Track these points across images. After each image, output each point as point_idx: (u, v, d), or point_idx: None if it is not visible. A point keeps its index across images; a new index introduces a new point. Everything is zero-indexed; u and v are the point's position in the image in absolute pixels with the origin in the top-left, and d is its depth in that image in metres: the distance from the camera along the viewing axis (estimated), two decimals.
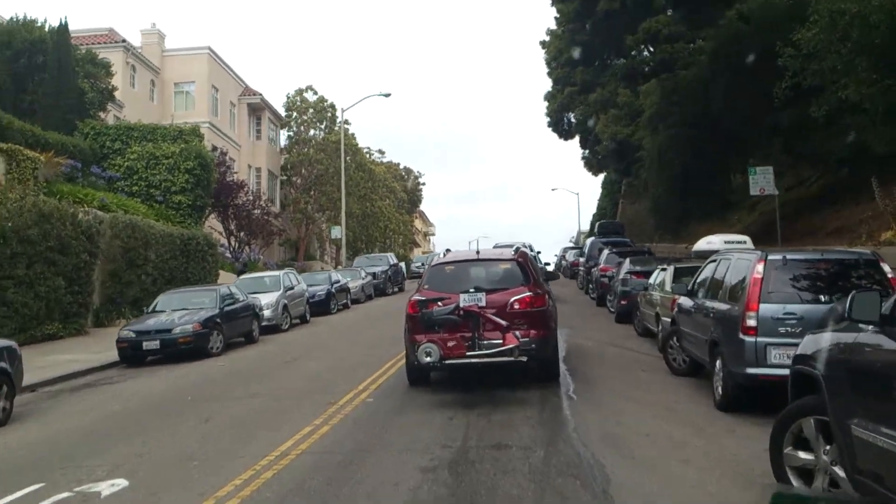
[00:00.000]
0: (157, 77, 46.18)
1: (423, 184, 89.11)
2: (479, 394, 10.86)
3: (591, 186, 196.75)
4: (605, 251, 25.35)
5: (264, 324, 22.60)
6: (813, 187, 23.54)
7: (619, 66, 35.48)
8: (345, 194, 48.37)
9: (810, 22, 14.43)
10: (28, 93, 32.71)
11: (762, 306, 8.56)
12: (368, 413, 10.42)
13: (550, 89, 39.66)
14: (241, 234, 41.92)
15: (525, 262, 12.04)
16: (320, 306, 28.17)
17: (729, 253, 10.50)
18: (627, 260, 20.78)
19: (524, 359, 10.32)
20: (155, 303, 20.28)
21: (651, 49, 33.64)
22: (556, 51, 38.21)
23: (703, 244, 15.21)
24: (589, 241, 31.49)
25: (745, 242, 13.95)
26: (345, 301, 31.60)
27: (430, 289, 11.54)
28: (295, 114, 55.62)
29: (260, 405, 11.43)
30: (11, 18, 34.66)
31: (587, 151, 40.66)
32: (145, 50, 45.69)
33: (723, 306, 9.48)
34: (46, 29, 33.96)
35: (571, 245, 56.06)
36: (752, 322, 8.56)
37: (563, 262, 41.72)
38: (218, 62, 48.63)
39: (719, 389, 9.42)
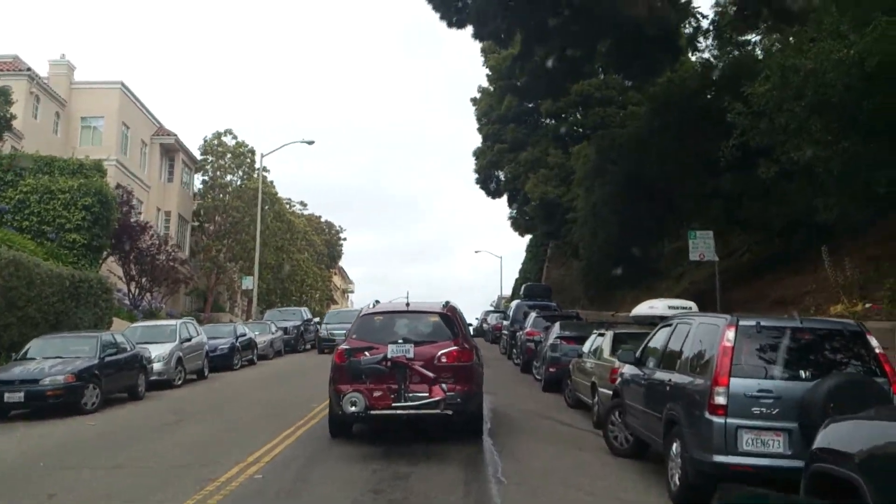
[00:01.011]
0: (62, 109, 43.48)
1: (344, 238, 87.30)
2: (395, 480, 9.13)
3: (515, 250, 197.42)
4: (532, 314, 23.98)
5: (154, 378, 20.27)
6: (745, 256, 22.78)
7: (550, 126, 34.88)
8: (259, 244, 46.09)
9: (762, 78, 13.51)
10: None
11: (733, 381, 7.13)
12: (253, 493, 8.56)
13: (480, 145, 38.72)
14: (143, 279, 39.14)
15: (454, 316, 11.98)
16: (222, 361, 25.90)
17: (688, 317, 9.08)
18: (557, 324, 19.38)
19: (450, 412, 10.32)
20: (26, 348, 17.81)
21: (582, 112, 33.11)
22: (487, 107, 37.46)
23: (643, 309, 13.88)
24: (514, 303, 30.18)
25: (690, 308, 12.67)
26: (250, 356, 29.32)
27: (358, 338, 11.46)
28: (211, 157, 53.24)
29: (120, 480, 9.38)
30: None
31: (515, 211, 39.73)
32: (52, 81, 43.08)
33: (682, 379, 8.01)
34: None
35: (492, 309, 54.90)
36: (721, 399, 7.14)
37: (485, 325, 40.41)
38: (130, 98, 46.25)
39: (676, 478, 7.88)
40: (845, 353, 7.42)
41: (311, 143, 44.13)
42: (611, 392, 11.94)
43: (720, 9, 24.08)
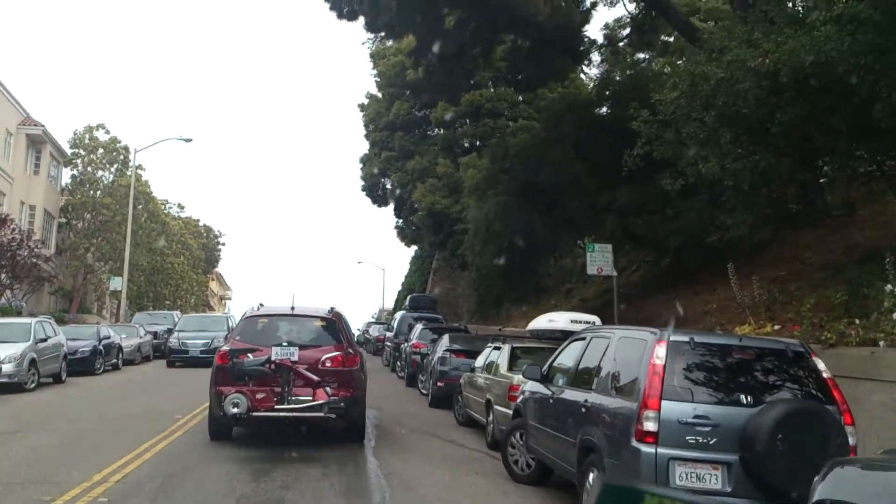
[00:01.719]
0: None
1: (223, 244, 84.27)
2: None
3: (398, 263, 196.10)
4: (418, 326, 23.07)
5: (3, 381, 18.34)
6: (637, 274, 22.59)
7: (440, 136, 34.20)
8: (130, 243, 43.41)
9: (670, 85, 13.07)
10: None
11: (665, 404, 6.32)
12: None
13: (367, 152, 37.62)
14: (1, 275, 35.97)
15: (339, 321, 12.03)
16: (82, 365, 23.79)
17: (605, 330, 8.32)
18: (446, 337, 18.52)
19: (333, 416, 10.41)
20: None
21: (472, 123, 32.59)
22: (376, 113, 36.47)
23: (542, 322, 13.15)
24: (398, 314, 29.21)
25: (594, 323, 12.02)
26: (115, 360, 27.15)
27: (241, 340, 11.33)
28: (82, 152, 49.97)
29: None
30: None
31: (401, 221, 38.77)
32: None
33: (602, 400, 7.19)
34: None
35: (374, 320, 53.71)
36: (651, 425, 6.27)
37: (367, 336, 39.37)
38: None
39: None
40: (789, 376, 6.74)
41: (188, 140, 41.94)
42: (510, 411, 11.16)
43: (609, 31, 24.06)
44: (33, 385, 19.43)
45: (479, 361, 14.12)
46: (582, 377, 8.00)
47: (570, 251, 23.95)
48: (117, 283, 43.66)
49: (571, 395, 7.93)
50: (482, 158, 29.59)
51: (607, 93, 19.05)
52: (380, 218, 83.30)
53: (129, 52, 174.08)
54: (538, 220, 18.82)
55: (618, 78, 18.02)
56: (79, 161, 50.36)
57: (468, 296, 34.79)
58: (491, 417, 11.97)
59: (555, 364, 9.02)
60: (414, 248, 51.08)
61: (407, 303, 30.26)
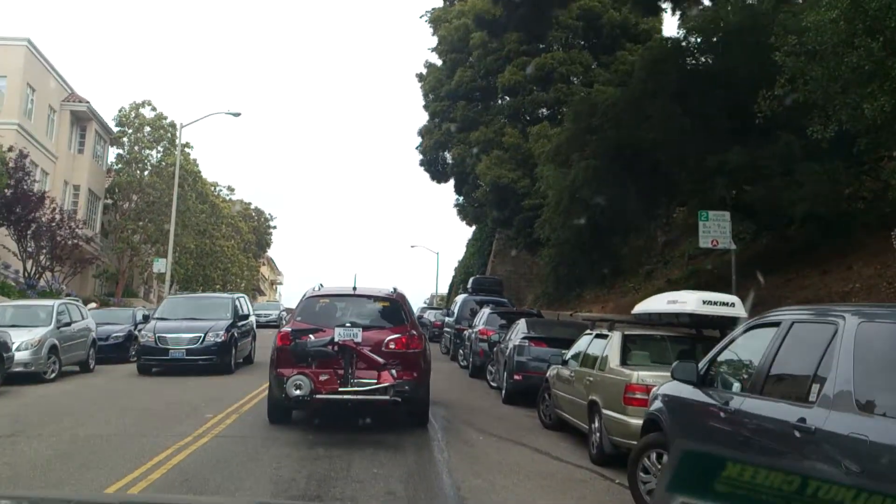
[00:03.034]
0: None
1: (274, 227, 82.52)
2: None
3: (453, 247, 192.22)
4: (485, 311, 20.43)
5: (18, 370, 16.22)
6: (747, 250, 19.59)
7: (506, 104, 31.40)
8: (174, 223, 41.51)
9: (826, 4, 10.22)
10: None
11: None
12: None
13: (426, 123, 34.93)
14: (42, 257, 34.37)
15: (403, 302, 11.76)
16: (115, 351, 21.76)
17: (817, 314, 5.51)
18: (522, 322, 15.87)
19: (399, 399, 10.08)
20: None
21: (542, 89, 29.75)
22: (436, 82, 33.79)
23: (656, 304, 10.36)
24: (459, 297, 26.58)
25: (733, 305, 9.26)
26: None
27: (302, 321, 11.14)
28: (129, 130, 48.34)
29: None
30: None
31: (462, 198, 36.06)
32: None
33: (850, 423, 4.39)
34: None
35: (426, 306, 51.18)
36: None
37: (422, 321, 36.83)
38: (38, 58, 41.19)
39: None
40: None
41: (237, 114, 39.70)
42: (626, 418, 8.51)
43: None
44: (53, 375, 17.36)
45: (574, 351, 11.45)
46: (783, 384, 5.31)
47: (666, 224, 21.13)
48: (161, 265, 41.88)
49: (766, 408, 5.21)
50: (555, 127, 26.88)
51: (714, 39, 16.12)
52: (437, 197, 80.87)
53: (175, 26, 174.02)
54: (632, 187, 16.07)
55: (730, 16, 15.07)
56: (125, 139, 48.88)
57: (535, 277, 32.09)
58: (597, 424, 9.30)
59: (720, 361, 6.33)
60: (472, 229, 48.50)
61: (469, 285, 27.61)
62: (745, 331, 6.14)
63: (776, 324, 5.58)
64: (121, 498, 6.36)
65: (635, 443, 8.12)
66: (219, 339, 18.55)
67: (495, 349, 17.19)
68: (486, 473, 8.66)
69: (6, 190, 30.06)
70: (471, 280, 28.33)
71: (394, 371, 10.21)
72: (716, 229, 13.84)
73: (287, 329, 11.05)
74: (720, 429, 5.71)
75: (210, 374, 17.53)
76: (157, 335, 18.64)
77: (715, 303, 9.21)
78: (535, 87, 29.78)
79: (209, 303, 21.74)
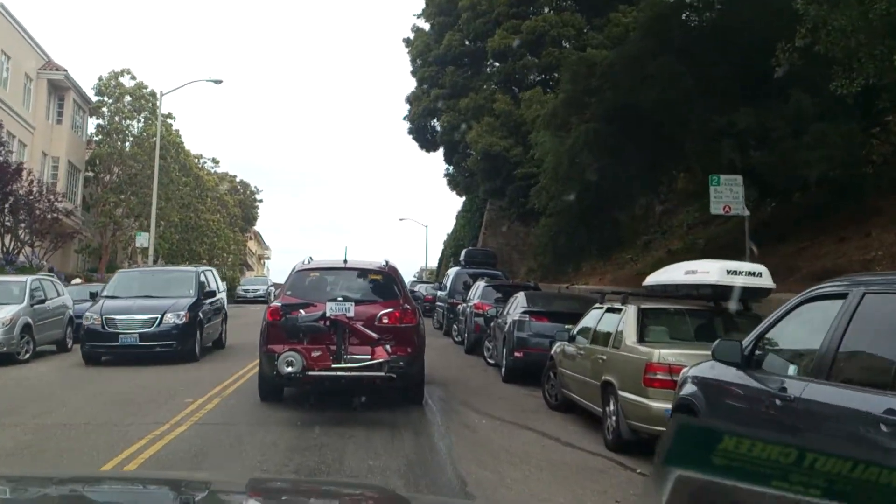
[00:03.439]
0: None
1: (261, 200, 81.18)
2: None
3: (442, 220, 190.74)
4: (479, 284, 19.60)
5: None
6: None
7: (496, 69, 30.35)
8: (156, 195, 40.45)
9: None
10: None
11: None
12: None
13: (414, 90, 33.80)
14: (21, 231, 33.22)
15: (395, 274, 11.50)
16: None
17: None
18: (521, 295, 15.06)
19: (393, 375, 9.76)
20: None
21: (533, 54, 28.73)
22: (424, 46, 32.62)
23: (672, 275, 9.51)
24: (452, 270, 25.71)
25: (760, 275, 8.46)
26: None
27: (292, 295, 10.77)
28: (108, 99, 46.94)
29: None
30: None
31: (452, 167, 35.07)
32: None
33: None
34: None
35: (416, 279, 50.32)
36: None
37: (413, 295, 35.97)
38: (12, 23, 39.75)
39: None
40: None
41: (218, 81, 38.55)
42: (646, 400, 7.74)
43: None
44: (28, 355, 16.47)
45: (583, 325, 10.65)
46: (857, 367, 4.52)
47: (663, 192, 20.31)
48: (144, 240, 40.85)
49: (838, 397, 4.42)
50: (548, 93, 25.91)
51: None
52: (426, 168, 79.74)
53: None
54: (634, 151, 15.21)
55: None
56: (105, 109, 47.47)
57: (528, 249, 31.28)
58: (612, 407, 8.51)
59: (769, 339, 5.52)
60: (461, 201, 47.54)
61: (462, 257, 26.74)
62: (800, 303, 5.31)
63: (841, 295, 4.77)
64: (109, 475, 6.14)
65: (657, 428, 7.37)
66: (180, 321, 15.73)
67: (492, 324, 16.41)
68: (493, 463, 7.88)
69: None
70: (463, 252, 27.50)
71: (388, 346, 9.87)
72: (728, 194, 13.00)
73: (277, 304, 10.69)
74: (775, 418, 4.91)
75: (172, 363, 15.11)
76: (104, 317, 15.61)
77: (739, 272, 8.44)
78: (526, 52, 28.75)
79: (168, 277, 18.52)
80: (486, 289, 19.01)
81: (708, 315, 9.22)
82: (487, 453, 8.29)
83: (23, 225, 32.89)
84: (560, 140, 17.12)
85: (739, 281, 8.33)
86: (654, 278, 10.12)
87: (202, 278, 18.00)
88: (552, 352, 11.51)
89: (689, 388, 6.32)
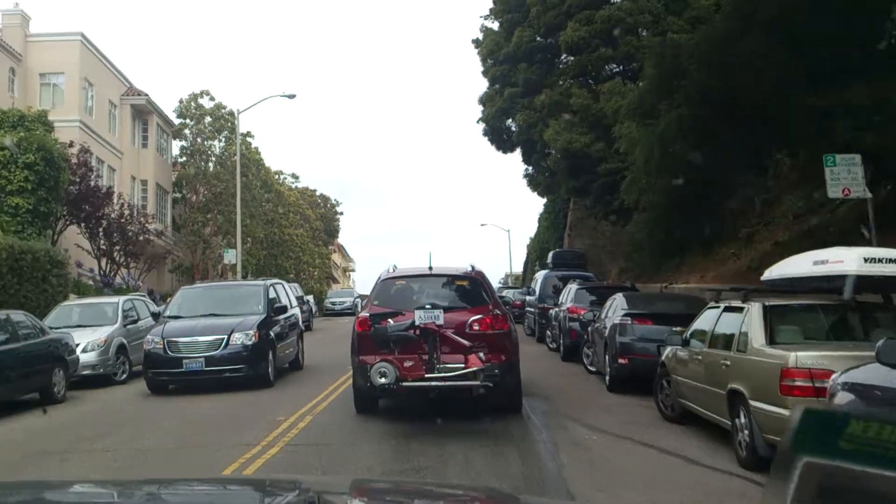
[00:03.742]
0: (17, 65, 38.12)
1: (341, 213, 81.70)
2: None
3: (524, 223, 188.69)
4: (572, 287, 18.78)
5: (86, 373, 15.45)
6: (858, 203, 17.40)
7: (570, 63, 29.34)
8: (240, 212, 40.99)
9: None
10: None
11: None
12: None
13: (487, 90, 32.96)
14: (116, 254, 33.95)
15: (482, 279, 11.21)
16: None
17: None
18: (619, 298, 14.18)
19: (490, 384, 9.38)
20: None
21: (608, 45, 27.69)
22: (494, 45, 31.80)
23: (798, 266, 8.51)
24: (539, 274, 24.90)
25: None
26: None
27: (379, 304, 10.68)
28: (189, 121, 47.88)
29: None
30: None
31: (531, 167, 34.14)
32: (6, 33, 37.78)
33: None
34: None
35: (501, 285, 49.55)
36: None
37: (504, 301, 35.16)
38: (93, 52, 40.85)
39: None
40: None
41: (292, 96, 38.85)
42: (786, 412, 6.82)
43: None
44: (124, 376, 16.51)
45: (695, 329, 9.76)
46: None
47: (769, 178, 19.04)
48: (231, 256, 41.35)
49: None
50: (628, 84, 24.88)
51: None
52: (504, 171, 78.83)
53: (223, 12, 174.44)
54: (732, 136, 14.15)
55: None
56: (187, 131, 48.51)
57: (617, 248, 30.17)
58: (743, 419, 7.60)
59: None
60: (543, 202, 46.54)
61: (549, 259, 25.88)
62: None
63: None
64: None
65: None
66: (249, 342, 14.19)
67: (590, 329, 15.56)
68: (612, 486, 7.10)
69: (71, 187, 29.61)
70: (550, 254, 26.62)
71: (481, 354, 9.59)
72: (846, 176, 11.87)
73: (365, 314, 10.49)
74: None
75: (244, 390, 13.60)
76: (166, 340, 14.16)
77: (881, 260, 7.42)
78: (601, 43, 27.70)
79: (235, 293, 16.92)
80: (579, 291, 18.21)
81: (842, 311, 8.25)
82: (604, 475, 7.51)
83: (117, 248, 33.61)
84: (649, 129, 16.13)
85: (880, 269, 7.34)
86: (776, 271, 9.13)
87: (271, 292, 16.34)
88: (663, 357, 10.63)
89: (844, 397, 5.45)
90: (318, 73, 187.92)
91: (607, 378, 13.28)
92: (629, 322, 12.90)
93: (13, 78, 37.86)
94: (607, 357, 13.25)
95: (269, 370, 14.56)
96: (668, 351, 10.51)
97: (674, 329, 10.82)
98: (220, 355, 14.01)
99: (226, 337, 14.19)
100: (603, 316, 14.60)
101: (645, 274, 23.78)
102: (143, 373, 14.71)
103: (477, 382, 9.34)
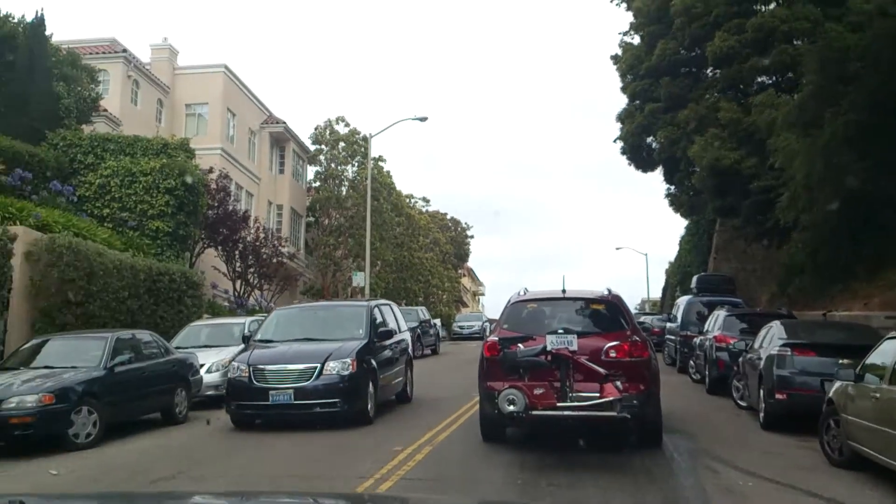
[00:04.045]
0: (165, 96, 39.95)
1: (471, 236, 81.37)
2: None
3: (663, 247, 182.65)
4: (719, 314, 17.30)
5: (210, 393, 15.21)
6: None
7: (719, 75, 27.62)
8: (370, 234, 41.19)
9: None
10: None
11: None
12: None
13: (626, 107, 31.63)
14: (250, 275, 34.67)
15: (620, 303, 10.52)
16: None
17: None
18: (776, 326, 12.70)
19: (627, 416, 8.70)
20: (21, 350, 13.24)
21: (760, 54, 25.83)
22: (634, 59, 30.45)
23: None
24: (682, 300, 23.35)
25: None
26: None
27: (509, 328, 10.20)
28: (324, 147, 48.89)
29: None
30: None
31: (673, 187, 32.39)
32: (155, 66, 39.77)
33: None
34: (20, 24, 27.95)
35: (638, 311, 47.68)
36: None
37: (643, 328, 33.47)
38: (235, 83, 42.35)
39: None
40: None
41: (423, 119, 38.86)
42: None
43: None
44: None
45: (871, 362, 8.32)
46: None
47: None
48: (360, 279, 41.54)
49: None
50: (781, 96, 23.04)
51: None
52: (641, 191, 76.41)
53: (356, 41, 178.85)
54: None
55: None
56: (321, 157, 49.50)
57: (767, 273, 28.03)
58: None
59: None
60: (683, 225, 44.45)
61: (693, 284, 24.22)
62: None
63: None
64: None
65: None
66: (346, 371, 12.23)
67: (741, 360, 14.09)
68: None
69: (209, 211, 30.40)
70: (694, 279, 24.90)
71: (618, 383, 8.97)
72: None
73: (494, 338, 10.13)
74: None
75: (338, 429, 11.83)
76: (252, 367, 12.38)
77: None
78: (753, 52, 25.88)
79: (333, 315, 14.97)
80: (729, 318, 16.72)
81: None
82: None
83: (251, 270, 34.29)
84: (810, 140, 14.57)
85: None
86: None
87: (376, 314, 14.33)
88: (830, 394, 9.20)
89: None
90: (450, 97, 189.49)
91: (761, 414, 11.82)
92: (788, 353, 11.42)
93: (161, 109, 39.67)
94: (762, 391, 11.80)
95: (369, 405, 12.61)
96: (836, 386, 9.09)
97: (842, 362, 9.55)
98: (313, 387, 12.07)
99: (319, 366, 12.22)
100: (756, 346, 13.20)
101: (801, 300, 21.77)
102: (225, 404, 13.08)
103: (614, 413, 8.70)
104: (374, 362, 13.11)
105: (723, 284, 23.63)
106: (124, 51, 36.46)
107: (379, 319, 14.35)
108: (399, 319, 16.47)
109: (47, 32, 27.70)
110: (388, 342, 14.29)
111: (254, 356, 12.80)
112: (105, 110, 33.15)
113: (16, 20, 28.18)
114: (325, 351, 12.55)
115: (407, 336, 16.63)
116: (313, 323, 14.25)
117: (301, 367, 12.31)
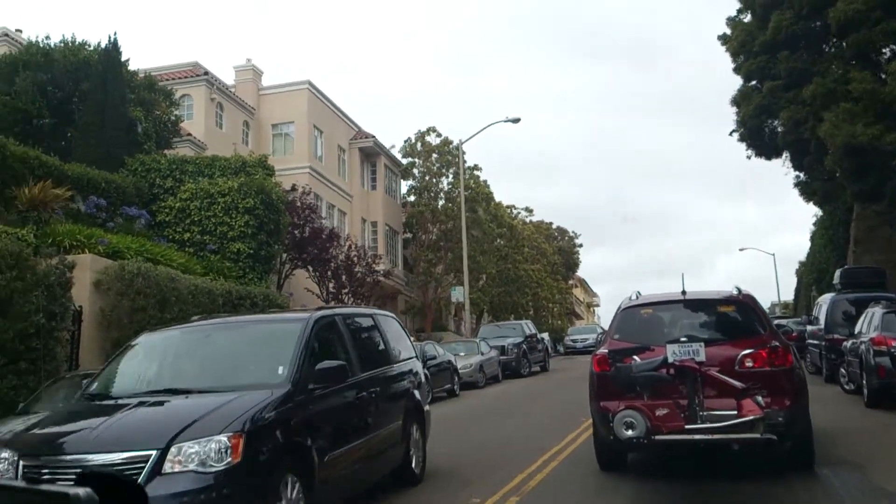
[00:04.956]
0: (251, 118, 39.24)
1: (580, 245, 78.36)
2: None
3: (791, 244, 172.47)
4: (875, 312, 14.35)
5: None
6: None
7: (846, 43, 24.23)
8: (467, 247, 39.29)
9: None
10: (72, 125, 26.51)
11: None
12: None
13: (741, 88, 28.27)
14: (344, 295, 33.21)
15: (753, 304, 9.03)
16: None
17: None
18: None
19: (773, 437, 7.60)
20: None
21: (892, 17, 22.37)
22: (746, 37, 27.23)
23: None
24: (825, 298, 20.21)
25: None
26: (449, 385, 22.28)
27: (621, 338, 9.01)
28: (417, 160, 47.36)
29: None
30: (58, 42, 28.21)
31: (803, 173, 28.76)
32: (239, 88, 39.31)
33: None
34: (96, 51, 27.46)
35: (771, 314, 43.86)
36: None
37: (783, 331, 29.91)
38: (320, 99, 41.39)
39: None
40: None
41: (516, 120, 36.99)
42: None
43: None
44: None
45: None
46: None
47: None
48: (458, 294, 39.63)
49: None
50: None
51: None
52: (763, 185, 71.33)
53: (437, 45, 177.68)
54: None
55: None
56: (415, 170, 48.03)
57: None
58: None
59: None
60: (814, 217, 40.52)
61: (836, 279, 20.95)
62: None
63: None
64: None
65: None
66: (217, 463, 5.88)
67: None
68: None
69: (295, 231, 29.13)
70: (837, 273, 21.56)
71: (759, 398, 7.82)
72: None
73: (604, 351, 8.91)
74: None
75: None
76: (19, 459, 6.18)
77: None
78: (884, 15, 22.45)
79: (238, 340, 8.10)
80: (888, 317, 13.80)
81: None
82: None
83: (345, 290, 32.86)
84: None
85: None
86: None
87: (316, 338, 7.74)
88: None
89: None
90: (536, 93, 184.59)
91: None
92: None
93: (247, 130, 38.98)
94: None
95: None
96: None
97: None
98: None
99: (155, 454, 5.93)
100: None
101: None
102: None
103: (757, 435, 7.62)
104: (304, 432, 6.86)
105: (871, 278, 20.35)
106: (206, 73, 35.87)
107: (327, 346, 7.96)
108: (404, 337, 10.52)
109: (123, 58, 27.07)
110: (341, 386, 7.63)
111: (30, 434, 6.78)
112: (189, 134, 32.61)
113: (91, 48, 27.71)
114: (183, 418, 6.29)
115: (416, 364, 10.34)
116: (202, 358, 7.96)
117: (118, 456, 5.97)
